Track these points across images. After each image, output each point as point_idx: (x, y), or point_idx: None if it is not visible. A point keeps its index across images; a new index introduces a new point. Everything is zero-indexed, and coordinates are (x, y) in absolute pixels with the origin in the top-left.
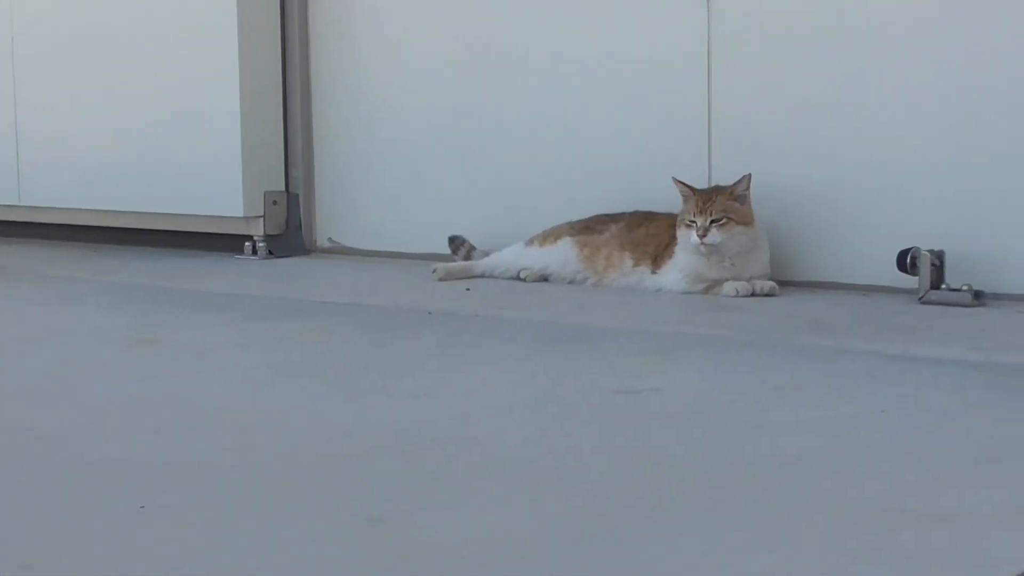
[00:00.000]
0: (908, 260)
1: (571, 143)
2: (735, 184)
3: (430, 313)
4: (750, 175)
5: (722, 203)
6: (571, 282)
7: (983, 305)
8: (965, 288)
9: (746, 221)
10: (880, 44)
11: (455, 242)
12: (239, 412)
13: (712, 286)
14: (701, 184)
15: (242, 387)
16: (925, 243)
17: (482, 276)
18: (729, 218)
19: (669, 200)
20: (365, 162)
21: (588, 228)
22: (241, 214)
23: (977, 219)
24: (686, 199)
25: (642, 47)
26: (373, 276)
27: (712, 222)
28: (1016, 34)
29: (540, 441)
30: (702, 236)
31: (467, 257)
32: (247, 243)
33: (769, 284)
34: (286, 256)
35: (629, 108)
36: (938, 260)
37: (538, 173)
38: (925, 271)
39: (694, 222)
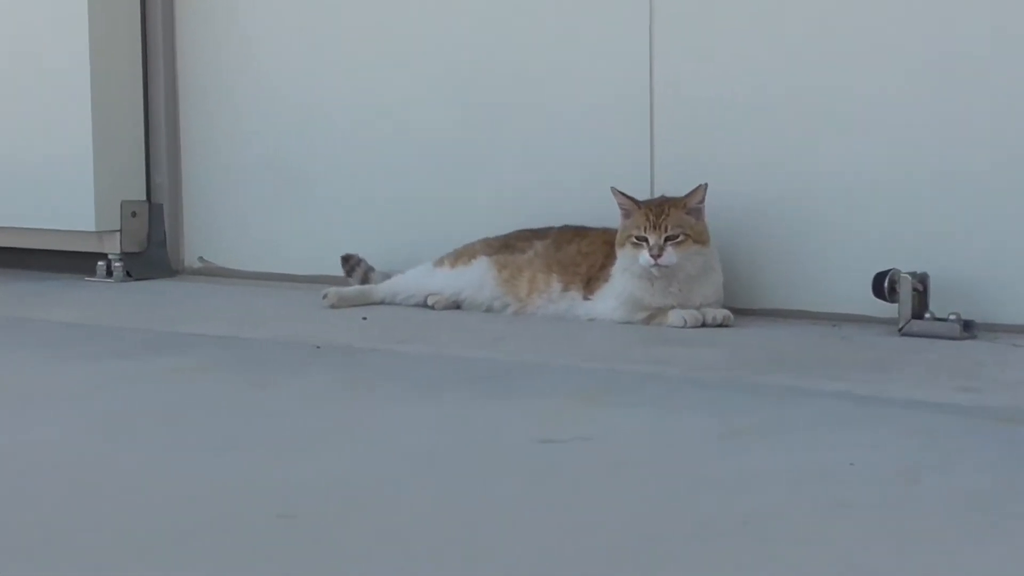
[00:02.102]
0: (886, 284)
1: (487, 150)
2: (689, 195)
3: (319, 347)
4: (706, 185)
5: (677, 217)
6: (488, 309)
7: (973, 337)
8: (952, 317)
9: (702, 239)
10: (850, 45)
11: (349, 262)
12: (83, 469)
13: (655, 315)
14: (642, 196)
15: (88, 438)
16: (906, 265)
17: (382, 302)
18: (686, 235)
19: (601, 213)
20: (244, 169)
21: (508, 246)
22: (93, 228)
23: (966, 237)
24: (629, 213)
25: (571, 43)
26: (253, 303)
27: (667, 239)
28: (1006, 35)
29: (448, 502)
30: (656, 256)
31: (364, 280)
32: (100, 263)
33: (722, 313)
34: (147, 278)
35: (554, 108)
36: (921, 284)
37: (447, 183)
38: (906, 297)
39: (644, 239)
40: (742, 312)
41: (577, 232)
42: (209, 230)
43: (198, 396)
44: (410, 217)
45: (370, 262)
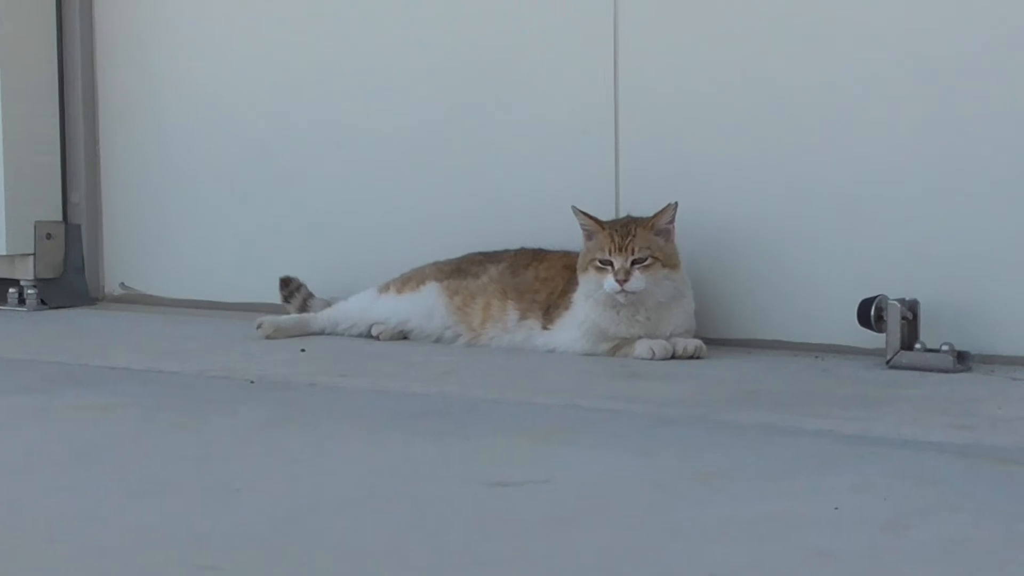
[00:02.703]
0: (872, 312)
1: (439, 166)
2: (657, 215)
3: (252, 382)
4: (675, 204)
5: (645, 238)
6: (438, 340)
7: (968, 370)
8: (945, 348)
9: (672, 263)
10: (834, 50)
11: (289, 286)
12: None
13: (621, 346)
14: (607, 216)
15: None
16: (894, 291)
17: (322, 332)
18: (655, 258)
19: (561, 235)
20: (171, 186)
21: (460, 271)
22: (4, 251)
23: (961, 260)
24: (593, 234)
25: (531, 53)
26: (179, 333)
27: (634, 263)
28: (1004, 40)
29: (389, 552)
30: (623, 281)
31: (303, 308)
32: (12, 290)
33: (694, 343)
34: (64, 306)
35: (513, 122)
36: (911, 312)
37: (395, 201)
38: (894, 326)
39: (609, 263)
40: (715, 343)
41: (535, 255)
42: (132, 254)
43: (114, 436)
44: (354, 239)
45: (310, 288)
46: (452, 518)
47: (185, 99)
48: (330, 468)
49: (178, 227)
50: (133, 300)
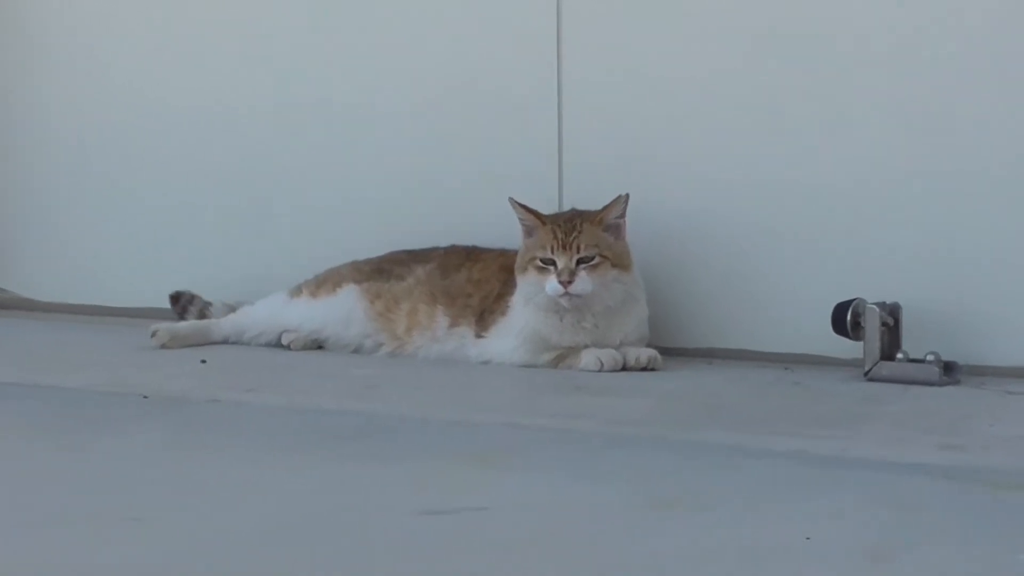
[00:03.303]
0: (849, 317)
1: (359, 150)
2: (606, 208)
3: (146, 397)
4: (627, 196)
5: (592, 234)
6: (357, 350)
7: (956, 383)
8: (930, 358)
9: (623, 262)
10: (802, 28)
11: (180, 301)
12: None
13: (565, 356)
14: (549, 208)
15: None
16: (873, 294)
17: (225, 341)
18: (604, 257)
19: (497, 230)
20: (52, 180)
21: (382, 271)
22: None
23: (947, 260)
24: (532, 230)
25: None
26: (63, 341)
27: (580, 262)
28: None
29: None
30: (567, 282)
31: (202, 315)
32: None
33: (647, 353)
34: None
35: (438, 100)
36: (892, 318)
37: (306, 192)
38: (873, 333)
39: (551, 262)
40: (672, 352)
41: (468, 254)
42: (8, 253)
43: None
44: (260, 236)
45: (209, 294)
46: (377, 551)
47: (68, 86)
48: (237, 496)
49: (60, 225)
50: (10, 305)
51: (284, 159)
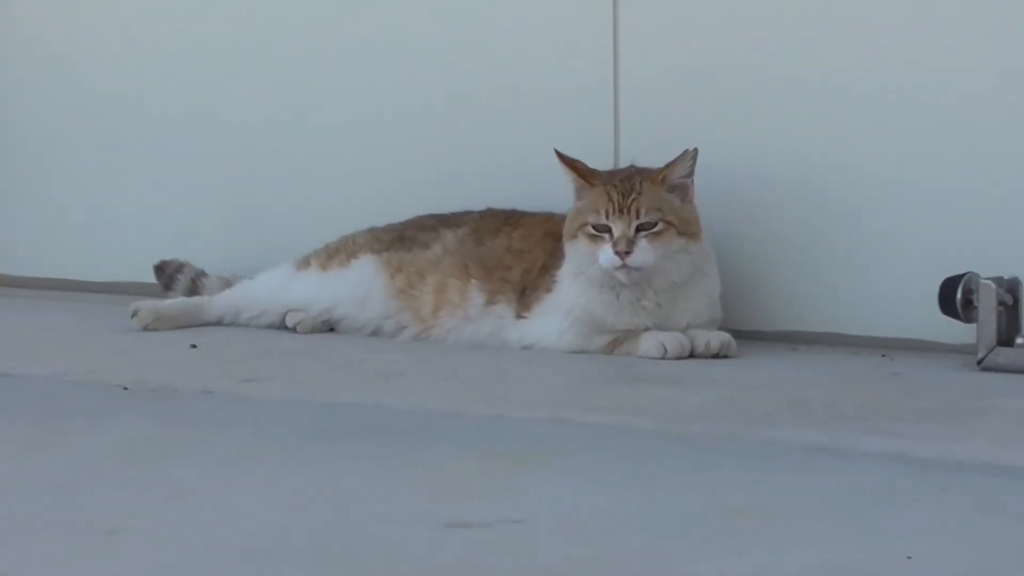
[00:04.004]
0: (959, 295)
1: (375, 95)
2: (671, 165)
3: (127, 389)
4: (695, 151)
5: (654, 196)
6: (375, 333)
7: None
8: None
9: (691, 230)
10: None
11: (166, 271)
12: None
13: (621, 340)
14: (604, 164)
15: None
16: (987, 268)
17: (220, 322)
18: (668, 223)
19: (541, 190)
20: (10, 134)
21: (404, 239)
22: None
23: None
24: (584, 190)
25: None
26: (28, 323)
27: (640, 229)
28: None
29: None
30: (625, 253)
31: (192, 291)
32: None
33: (719, 337)
34: None
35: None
36: (1011, 296)
37: (317, 147)
38: (988, 314)
39: (606, 229)
40: (748, 336)
41: (507, 218)
42: None
43: None
44: (261, 198)
45: (199, 265)
46: (395, 571)
47: (43, 49)
48: (232, 504)
49: (23, 186)
50: None
51: (291, 105)
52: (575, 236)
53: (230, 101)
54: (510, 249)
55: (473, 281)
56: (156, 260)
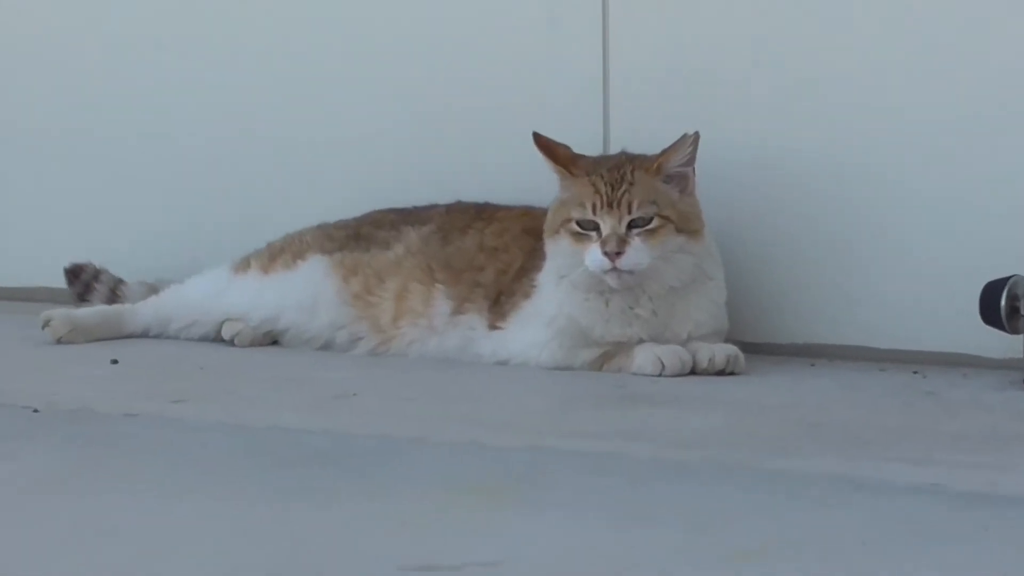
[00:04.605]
0: (1004, 302)
1: (324, 71)
2: (668, 151)
3: (37, 411)
4: (696, 135)
5: (648, 187)
6: (327, 345)
7: None
8: None
9: (691, 226)
10: None
11: (80, 277)
12: None
13: (612, 354)
14: (592, 150)
15: None
16: None
17: (145, 333)
18: (664, 218)
19: (518, 181)
20: None
21: (360, 237)
22: None
23: None
24: (567, 180)
25: None
26: None
27: (632, 226)
28: None
29: None
30: (615, 254)
31: (112, 299)
32: None
33: (725, 351)
34: None
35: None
36: None
37: (256, 137)
38: None
39: (594, 225)
40: (759, 350)
41: (479, 213)
42: None
43: None
44: (190, 190)
45: (117, 271)
46: None
47: None
48: (161, 544)
49: None
50: None
51: (221, 78)
52: (558, 233)
53: (148, 83)
54: (482, 248)
55: (438, 286)
56: (69, 262)
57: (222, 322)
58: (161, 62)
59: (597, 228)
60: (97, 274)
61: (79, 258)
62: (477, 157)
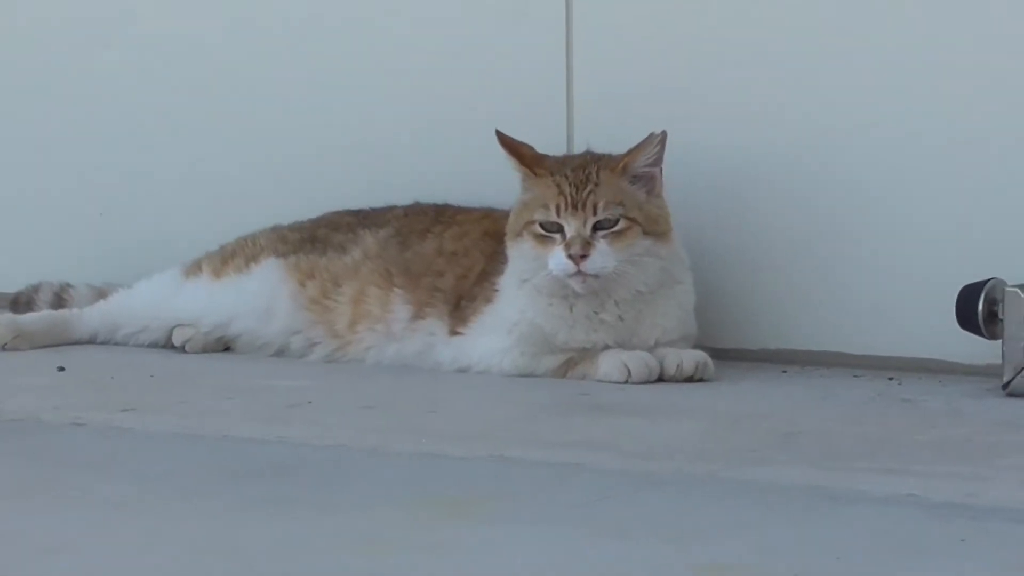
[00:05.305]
0: (981, 306)
1: (276, 67)
2: (635, 150)
3: None
4: (663, 134)
5: (614, 188)
6: (280, 352)
7: None
8: None
9: (659, 228)
10: None
11: (20, 301)
12: None
13: (576, 361)
14: (556, 150)
15: None
16: (1016, 275)
17: (93, 339)
18: (631, 220)
19: (480, 182)
20: None
21: (316, 240)
22: None
23: None
24: (530, 180)
25: None
26: None
27: (597, 228)
28: None
29: None
30: (580, 257)
31: (59, 304)
32: None
33: (694, 357)
34: None
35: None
36: None
37: (204, 135)
38: (1016, 329)
39: (557, 227)
40: (729, 356)
41: (438, 215)
42: None
43: None
44: (138, 192)
45: (60, 278)
46: None
47: None
48: (110, 561)
49: None
50: None
51: (171, 82)
52: (520, 236)
53: (94, 73)
54: (441, 251)
55: (397, 290)
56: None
57: (172, 328)
58: (112, 60)
59: (561, 230)
60: (36, 289)
61: (23, 262)
62: (436, 156)
